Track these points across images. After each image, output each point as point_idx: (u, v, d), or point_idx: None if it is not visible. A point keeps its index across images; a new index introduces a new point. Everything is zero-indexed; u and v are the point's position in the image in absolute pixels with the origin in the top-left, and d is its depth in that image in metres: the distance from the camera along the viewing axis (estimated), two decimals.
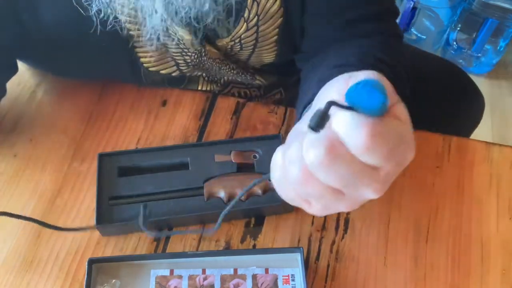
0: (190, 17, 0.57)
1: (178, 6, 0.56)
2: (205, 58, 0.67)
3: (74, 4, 0.56)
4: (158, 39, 0.62)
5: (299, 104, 0.58)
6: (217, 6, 0.58)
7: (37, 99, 0.73)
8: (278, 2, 0.61)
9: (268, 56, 0.69)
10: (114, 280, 0.56)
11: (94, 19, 0.57)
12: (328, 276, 0.58)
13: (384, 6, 0.65)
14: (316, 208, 0.38)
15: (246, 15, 0.61)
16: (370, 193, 0.36)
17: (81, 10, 0.56)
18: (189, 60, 0.67)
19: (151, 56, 0.66)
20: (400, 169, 0.36)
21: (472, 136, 0.92)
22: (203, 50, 0.65)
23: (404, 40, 0.69)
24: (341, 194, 0.36)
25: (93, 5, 0.56)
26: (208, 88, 0.74)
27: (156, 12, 0.56)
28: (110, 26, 0.58)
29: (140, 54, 0.65)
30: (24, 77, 0.74)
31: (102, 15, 0.57)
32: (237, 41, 0.64)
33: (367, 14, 0.62)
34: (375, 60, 0.58)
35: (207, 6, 0.56)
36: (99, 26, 0.58)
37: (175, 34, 0.62)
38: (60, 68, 0.70)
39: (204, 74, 0.73)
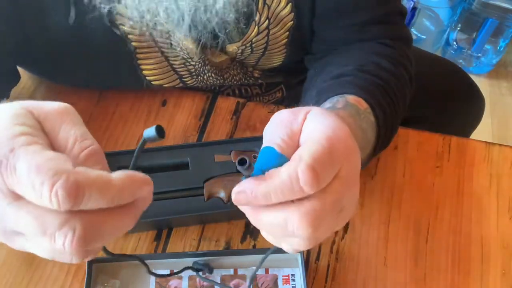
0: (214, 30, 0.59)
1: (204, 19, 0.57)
2: (208, 66, 0.67)
3: (79, 13, 0.56)
4: (161, 51, 0.62)
5: None
6: (238, 14, 0.59)
7: (37, 99, 0.72)
8: (289, 5, 0.61)
9: (277, 58, 0.69)
10: (114, 280, 0.56)
11: (97, 29, 0.57)
12: (328, 276, 0.58)
13: (391, 8, 0.65)
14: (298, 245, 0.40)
15: (257, 18, 0.61)
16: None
17: (85, 19, 0.56)
18: (192, 70, 0.67)
19: (153, 69, 0.66)
20: (353, 171, 0.38)
21: (472, 136, 0.92)
22: (206, 58, 0.65)
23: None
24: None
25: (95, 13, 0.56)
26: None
27: (182, 20, 0.57)
28: (110, 31, 0.58)
29: (143, 67, 0.65)
30: (24, 77, 0.74)
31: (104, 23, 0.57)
32: (248, 45, 0.64)
33: (375, 16, 0.62)
34: (374, 66, 0.58)
35: (232, 16, 0.58)
36: (102, 38, 0.58)
37: (178, 44, 0.62)
38: (61, 76, 0.70)
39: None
